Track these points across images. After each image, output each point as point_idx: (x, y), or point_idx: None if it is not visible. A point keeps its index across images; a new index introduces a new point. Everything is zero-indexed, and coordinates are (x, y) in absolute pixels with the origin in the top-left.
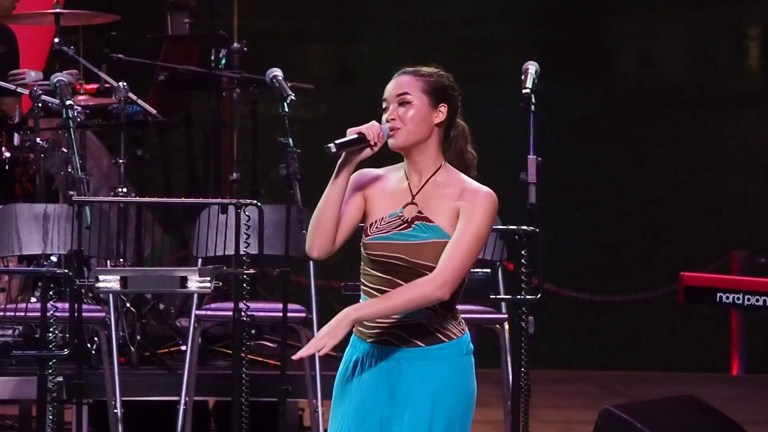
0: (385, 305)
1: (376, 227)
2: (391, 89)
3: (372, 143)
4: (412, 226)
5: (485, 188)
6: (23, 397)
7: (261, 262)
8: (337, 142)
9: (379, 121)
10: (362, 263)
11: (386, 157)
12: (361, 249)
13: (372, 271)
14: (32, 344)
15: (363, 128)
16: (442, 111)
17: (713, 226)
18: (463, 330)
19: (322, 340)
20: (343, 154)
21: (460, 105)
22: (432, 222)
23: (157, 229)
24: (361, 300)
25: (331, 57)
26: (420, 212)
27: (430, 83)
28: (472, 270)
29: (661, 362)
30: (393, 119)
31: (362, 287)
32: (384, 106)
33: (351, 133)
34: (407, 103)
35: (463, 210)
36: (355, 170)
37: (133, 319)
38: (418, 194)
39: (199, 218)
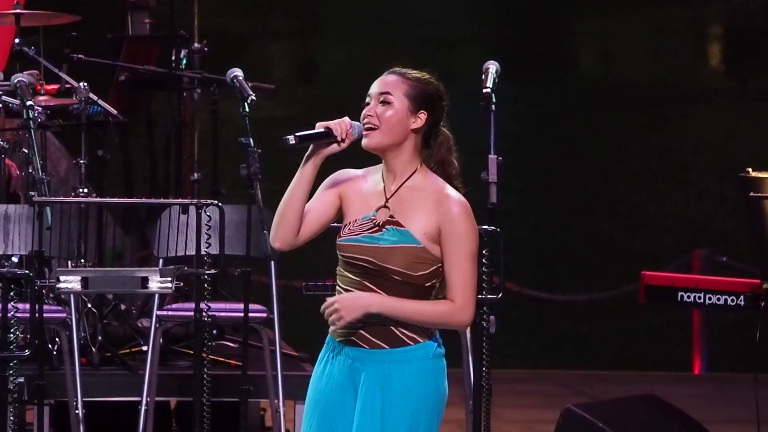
0: (407, 314)
1: (349, 229)
2: (375, 86)
3: (339, 139)
4: (383, 229)
5: (458, 198)
6: None
7: (222, 262)
8: (297, 134)
9: (356, 117)
10: (339, 264)
11: (365, 156)
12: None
13: (345, 273)
14: None
15: (331, 123)
16: (421, 117)
17: (674, 225)
18: (431, 334)
19: (338, 314)
20: (311, 146)
21: (444, 114)
22: (403, 227)
23: (117, 230)
24: None
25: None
26: (392, 216)
27: (415, 88)
28: None
29: (622, 361)
30: (370, 116)
31: (337, 287)
32: (366, 101)
33: (319, 127)
34: (388, 103)
35: (445, 230)
36: (324, 166)
37: (94, 319)
38: (392, 198)
39: (160, 218)
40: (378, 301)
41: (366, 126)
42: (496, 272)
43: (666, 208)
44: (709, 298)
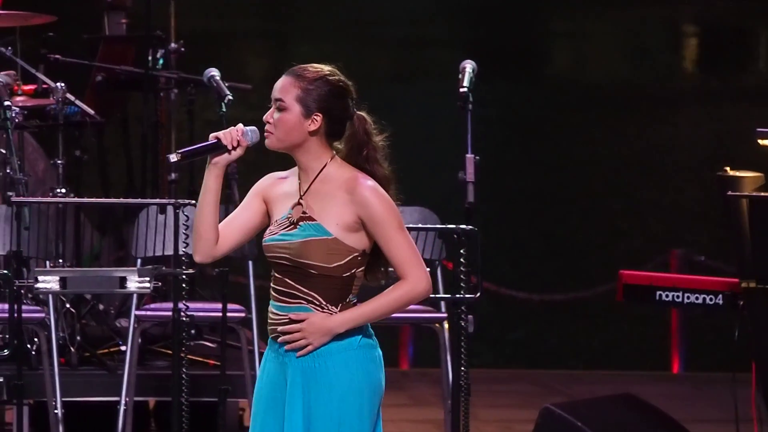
0: (370, 315)
1: (270, 230)
2: (274, 89)
3: (230, 148)
4: (298, 226)
5: (366, 182)
6: None
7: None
8: (180, 150)
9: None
10: None
11: None
12: None
13: (272, 273)
14: None
15: (220, 133)
16: (316, 119)
17: (652, 224)
18: (359, 326)
19: (306, 341)
20: (209, 158)
21: (347, 107)
22: (315, 220)
23: (95, 230)
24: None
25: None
26: (305, 212)
27: (307, 91)
28: None
29: (600, 361)
30: (268, 122)
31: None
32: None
33: (211, 138)
34: (281, 109)
35: (365, 216)
36: (228, 172)
37: (72, 319)
38: (306, 194)
39: (138, 218)
40: (341, 320)
41: (264, 130)
42: (474, 272)
43: (643, 208)
44: (687, 297)
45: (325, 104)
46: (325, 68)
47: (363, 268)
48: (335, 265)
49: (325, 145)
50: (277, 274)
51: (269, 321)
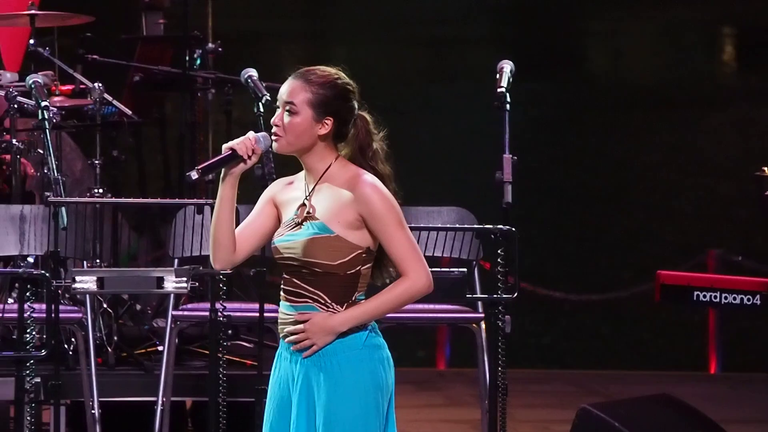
0: (373, 312)
1: (277, 232)
2: (282, 92)
3: (245, 157)
4: (302, 226)
5: (366, 179)
6: (1, 398)
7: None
8: (199, 167)
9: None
10: None
11: None
12: None
13: (282, 274)
14: (9, 345)
15: (234, 143)
16: (327, 123)
17: (689, 224)
18: (364, 326)
19: (310, 341)
20: (223, 170)
21: (354, 109)
22: (318, 219)
23: (131, 230)
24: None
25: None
26: (309, 212)
27: (318, 96)
28: (447, 269)
29: (637, 361)
30: (276, 125)
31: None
32: (276, 105)
33: (225, 150)
34: (292, 112)
35: (365, 214)
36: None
37: (109, 319)
38: (311, 195)
39: (175, 218)
40: (343, 318)
41: (273, 133)
42: (511, 272)
43: (680, 208)
44: (725, 298)
45: (335, 108)
46: (333, 71)
47: (369, 265)
48: (339, 262)
49: (331, 147)
50: (285, 275)
51: (279, 321)
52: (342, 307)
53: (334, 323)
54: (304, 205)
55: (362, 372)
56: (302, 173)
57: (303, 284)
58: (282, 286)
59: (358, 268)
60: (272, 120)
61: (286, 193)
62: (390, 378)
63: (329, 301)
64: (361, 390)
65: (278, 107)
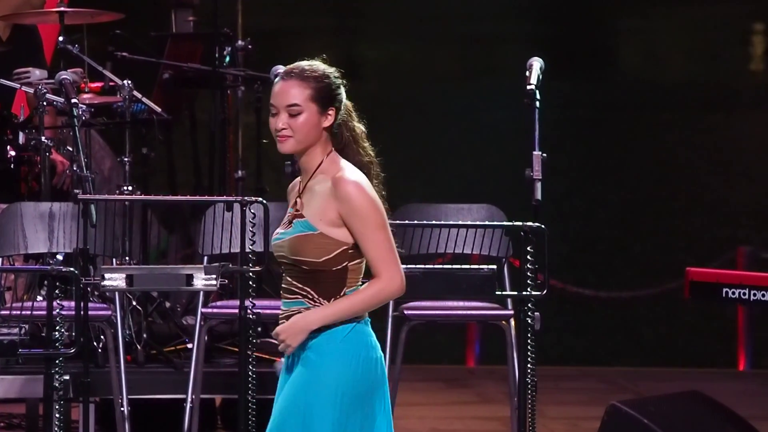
0: (345, 311)
1: (275, 231)
2: (279, 96)
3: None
4: (292, 224)
5: (348, 178)
6: (30, 396)
7: (267, 260)
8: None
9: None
10: None
11: None
12: None
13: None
14: (39, 343)
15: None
16: (331, 114)
17: (719, 221)
18: (350, 320)
19: (285, 343)
20: None
21: (344, 98)
22: (304, 217)
23: (161, 228)
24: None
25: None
26: (297, 210)
27: (318, 90)
28: (477, 266)
29: (667, 358)
30: (284, 128)
31: None
32: (272, 112)
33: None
34: (297, 113)
35: (345, 213)
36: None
37: (139, 317)
38: (303, 192)
39: (205, 216)
40: (314, 317)
41: (279, 137)
42: (541, 269)
43: (710, 205)
44: (754, 295)
45: (334, 96)
46: (320, 64)
47: (359, 261)
48: (324, 259)
49: (327, 140)
50: (284, 275)
51: (279, 317)
52: (330, 303)
53: (304, 322)
54: (296, 202)
55: (334, 367)
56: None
57: (294, 281)
58: (282, 284)
59: (344, 264)
60: (276, 126)
61: (293, 191)
62: (367, 378)
63: (317, 297)
64: (329, 385)
65: (274, 114)
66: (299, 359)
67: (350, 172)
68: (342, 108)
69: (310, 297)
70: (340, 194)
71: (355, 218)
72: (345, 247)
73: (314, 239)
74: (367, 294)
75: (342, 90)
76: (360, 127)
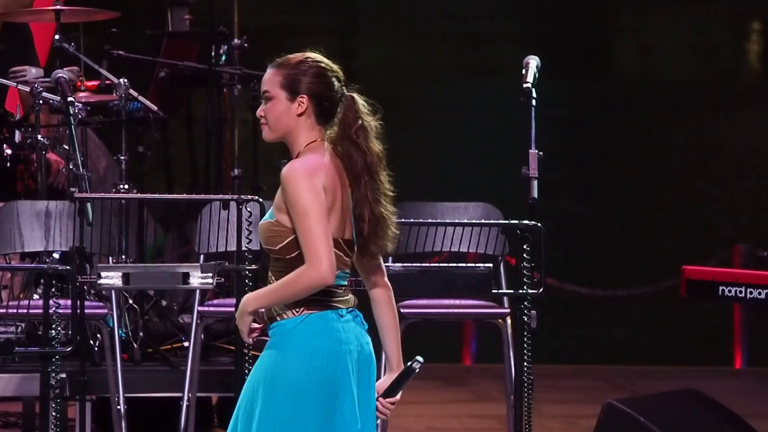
0: (273, 295)
1: None
2: (261, 84)
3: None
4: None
5: (288, 165)
6: (26, 394)
7: (263, 258)
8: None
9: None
10: None
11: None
12: None
13: None
14: (35, 341)
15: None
16: (302, 101)
17: (715, 220)
18: (297, 312)
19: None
20: None
21: (330, 87)
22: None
23: (157, 226)
24: None
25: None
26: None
27: (287, 77)
28: (473, 265)
29: (663, 356)
30: (261, 116)
31: None
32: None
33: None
34: (269, 99)
35: (284, 201)
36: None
37: (135, 315)
38: None
39: (201, 214)
40: (247, 299)
41: (261, 123)
42: (537, 268)
43: (706, 204)
44: (750, 293)
45: (309, 85)
46: (308, 53)
47: None
48: (279, 246)
49: (313, 129)
50: None
51: None
52: None
53: (242, 303)
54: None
55: (277, 357)
56: None
57: (269, 269)
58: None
59: (298, 252)
60: (257, 113)
61: None
62: (324, 368)
63: None
64: (274, 379)
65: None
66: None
67: (301, 159)
68: (329, 100)
69: (271, 283)
70: (280, 181)
71: (288, 204)
72: (296, 235)
73: (271, 227)
74: (289, 278)
75: (323, 81)
76: (366, 123)
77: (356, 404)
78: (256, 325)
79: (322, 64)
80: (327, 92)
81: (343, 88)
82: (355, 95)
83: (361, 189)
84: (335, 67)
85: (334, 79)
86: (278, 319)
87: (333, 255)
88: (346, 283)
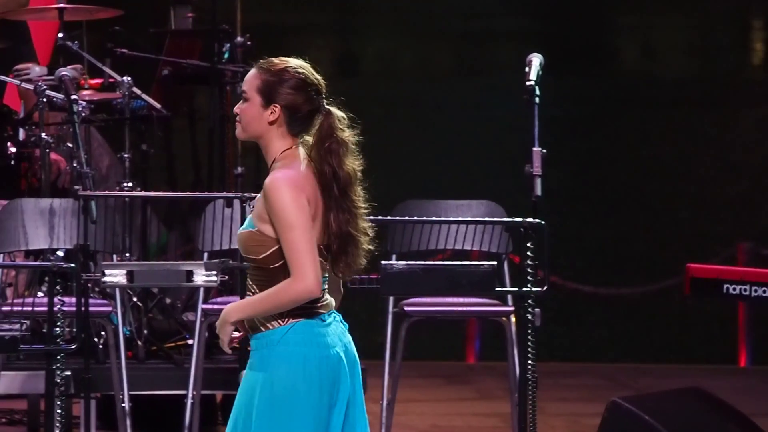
0: (256, 307)
1: None
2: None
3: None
4: (247, 219)
5: (271, 176)
6: (31, 392)
7: None
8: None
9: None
10: None
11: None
12: None
13: None
14: (40, 339)
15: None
16: (275, 110)
17: (719, 217)
18: (283, 322)
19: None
20: None
21: (305, 101)
22: (249, 215)
23: (161, 224)
24: None
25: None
26: (252, 207)
27: (265, 82)
28: (477, 263)
29: (667, 354)
30: (236, 112)
31: None
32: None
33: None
34: (246, 99)
35: (268, 212)
36: None
37: (139, 313)
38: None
39: (204, 212)
40: (229, 309)
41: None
42: (541, 265)
43: (711, 202)
44: (755, 290)
45: (284, 96)
46: (291, 61)
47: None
48: (262, 256)
49: (285, 137)
50: None
51: None
52: None
53: (225, 313)
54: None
55: (266, 369)
56: None
57: (248, 278)
58: None
59: (282, 262)
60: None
61: None
62: (316, 374)
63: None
64: (263, 390)
65: None
66: (249, 363)
67: (281, 170)
68: (303, 113)
69: (253, 292)
70: (264, 191)
71: (272, 216)
72: (279, 245)
73: (253, 236)
74: (274, 291)
75: (299, 93)
76: (341, 138)
77: (347, 408)
78: (237, 334)
79: (302, 76)
80: (302, 105)
81: (323, 100)
82: (333, 109)
83: (330, 203)
84: (317, 78)
85: (312, 92)
86: (262, 329)
87: (319, 268)
88: (326, 287)
